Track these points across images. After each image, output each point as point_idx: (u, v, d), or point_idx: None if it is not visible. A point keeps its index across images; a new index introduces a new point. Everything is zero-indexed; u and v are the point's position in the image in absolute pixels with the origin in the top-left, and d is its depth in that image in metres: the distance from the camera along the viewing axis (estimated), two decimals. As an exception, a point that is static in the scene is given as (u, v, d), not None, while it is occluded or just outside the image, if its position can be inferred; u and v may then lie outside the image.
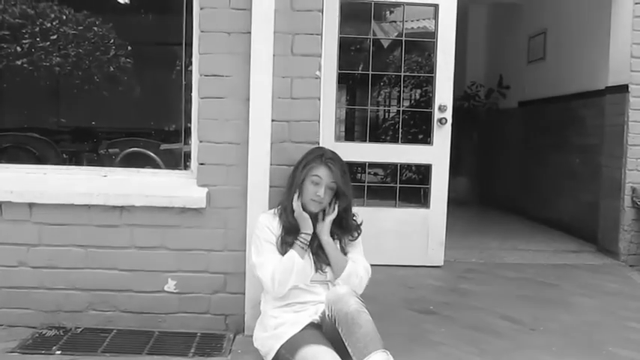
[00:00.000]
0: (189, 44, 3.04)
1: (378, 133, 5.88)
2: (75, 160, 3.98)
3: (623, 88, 4.59)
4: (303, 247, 2.39)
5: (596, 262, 4.68)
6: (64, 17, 4.02)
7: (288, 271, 2.32)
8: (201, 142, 2.92)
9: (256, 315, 2.88)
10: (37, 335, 2.82)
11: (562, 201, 5.86)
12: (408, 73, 4.94)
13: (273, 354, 2.30)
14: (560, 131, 5.90)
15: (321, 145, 2.89)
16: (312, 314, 2.32)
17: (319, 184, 2.41)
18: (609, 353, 2.86)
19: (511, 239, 5.40)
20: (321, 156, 2.46)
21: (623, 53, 4.63)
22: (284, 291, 2.34)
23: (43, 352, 2.65)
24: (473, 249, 4.94)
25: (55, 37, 3.98)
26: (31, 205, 2.90)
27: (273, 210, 2.57)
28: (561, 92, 5.87)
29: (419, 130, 4.85)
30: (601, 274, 4.35)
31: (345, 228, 2.52)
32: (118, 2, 4.20)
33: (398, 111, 5.31)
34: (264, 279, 2.36)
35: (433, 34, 4.30)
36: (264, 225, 2.47)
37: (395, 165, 4.53)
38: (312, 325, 2.28)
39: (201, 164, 2.93)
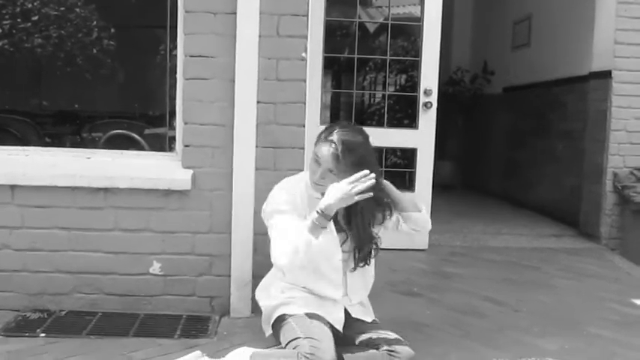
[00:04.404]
0: (174, 27, 3.01)
1: (364, 117, 5.87)
2: (58, 142, 3.93)
3: (607, 74, 4.62)
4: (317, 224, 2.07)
5: (577, 246, 4.74)
6: (46, -2, 3.95)
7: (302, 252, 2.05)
8: (186, 123, 2.90)
9: (242, 297, 2.91)
10: (20, 318, 2.80)
11: (545, 185, 5.92)
12: (393, 57, 4.93)
13: (275, 317, 2.21)
14: (543, 117, 5.94)
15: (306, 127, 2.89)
16: (335, 318, 2.21)
17: (319, 164, 2.15)
18: (590, 334, 2.90)
19: (495, 223, 5.44)
20: (332, 132, 2.15)
21: (606, 39, 4.66)
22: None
23: (27, 334, 2.63)
24: (457, 233, 4.98)
25: (36, 18, 3.91)
26: (13, 187, 2.86)
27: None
28: (545, 78, 5.90)
29: (404, 115, 4.84)
30: (582, 257, 4.41)
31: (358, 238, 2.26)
32: (101, -17, 4.14)
33: (383, 95, 5.31)
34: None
35: (419, 19, 4.29)
36: (280, 192, 2.23)
37: (380, 149, 4.53)
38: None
39: (186, 146, 2.91)
